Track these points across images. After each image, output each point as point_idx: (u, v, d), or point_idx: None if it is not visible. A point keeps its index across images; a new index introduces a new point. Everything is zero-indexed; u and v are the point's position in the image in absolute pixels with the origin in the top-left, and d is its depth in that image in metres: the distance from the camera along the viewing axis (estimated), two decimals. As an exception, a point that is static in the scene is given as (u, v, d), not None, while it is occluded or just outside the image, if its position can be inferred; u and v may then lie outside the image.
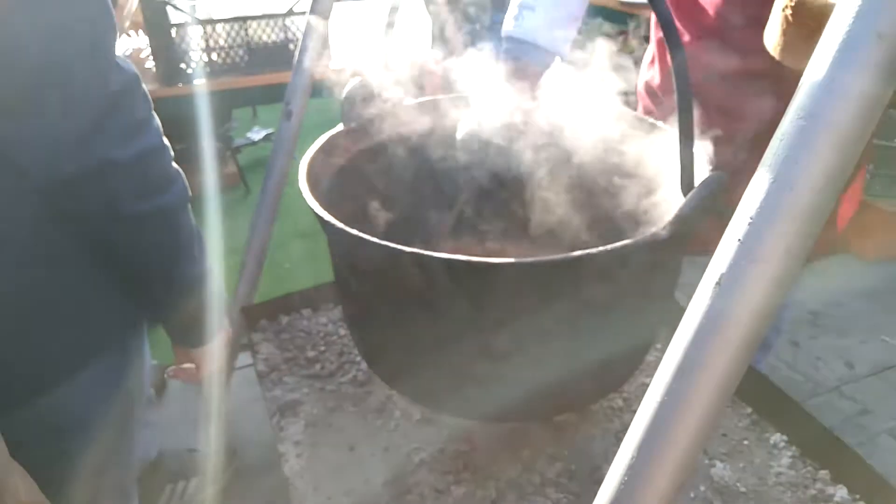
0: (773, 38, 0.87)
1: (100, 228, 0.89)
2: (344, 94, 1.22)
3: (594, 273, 0.86)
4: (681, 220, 0.85)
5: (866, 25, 0.43)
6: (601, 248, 0.82)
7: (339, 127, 1.22)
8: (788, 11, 0.80)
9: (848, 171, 0.46)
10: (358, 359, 1.40)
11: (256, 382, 1.37)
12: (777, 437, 1.19)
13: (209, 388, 1.26)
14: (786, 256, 0.46)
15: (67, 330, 0.97)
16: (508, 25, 1.22)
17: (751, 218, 0.46)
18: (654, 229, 0.85)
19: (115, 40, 0.82)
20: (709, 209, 0.87)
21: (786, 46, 0.91)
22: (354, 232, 0.88)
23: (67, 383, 0.99)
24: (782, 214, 0.45)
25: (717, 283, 0.48)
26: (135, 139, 0.85)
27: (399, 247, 0.83)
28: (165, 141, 0.92)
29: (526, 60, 1.20)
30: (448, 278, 0.88)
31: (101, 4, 0.80)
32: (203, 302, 1.06)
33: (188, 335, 1.12)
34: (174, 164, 0.94)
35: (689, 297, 0.53)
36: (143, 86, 0.88)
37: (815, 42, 0.46)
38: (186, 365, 1.18)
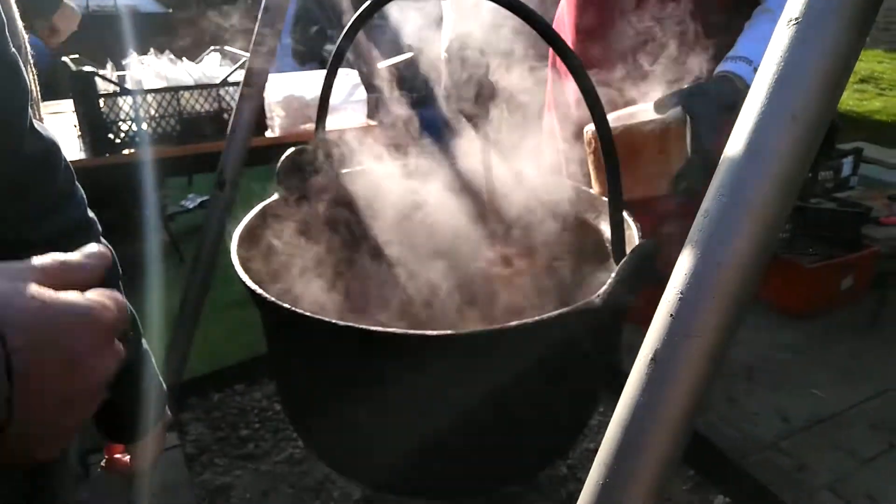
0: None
1: None
2: (279, 164, 1.21)
3: (530, 343, 0.85)
4: (614, 287, 0.86)
5: (781, 108, 0.45)
6: (537, 318, 0.82)
7: (275, 196, 1.21)
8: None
9: (772, 243, 0.48)
10: (294, 435, 1.35)
11: (184, 465, 1.30)
12: (720, 499, 1.19)
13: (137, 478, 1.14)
14: (718, 330, 0.46)
15: None
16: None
17: (681, 293, 0.47)
18: (589, 298, 0.86)
19: (26, 103, 0.71)
20: (644, 277, 0.88)
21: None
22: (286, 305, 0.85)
23: None
24: (712, 289, 0.46)
25: (653, 360, 0.47)
26: (52, 215, 0.76)
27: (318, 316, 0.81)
28: (91, 215, 0.83)
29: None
30: (372, 350, 0.86)
31: (4, 61, 0.68)
32: (140, 391, 0.93)
33: (125, 430, 0.97)
34: (102, 241, 0.83)
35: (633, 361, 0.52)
36: (64, 155, 0.79)
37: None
38: (119, 456, 1.02)
